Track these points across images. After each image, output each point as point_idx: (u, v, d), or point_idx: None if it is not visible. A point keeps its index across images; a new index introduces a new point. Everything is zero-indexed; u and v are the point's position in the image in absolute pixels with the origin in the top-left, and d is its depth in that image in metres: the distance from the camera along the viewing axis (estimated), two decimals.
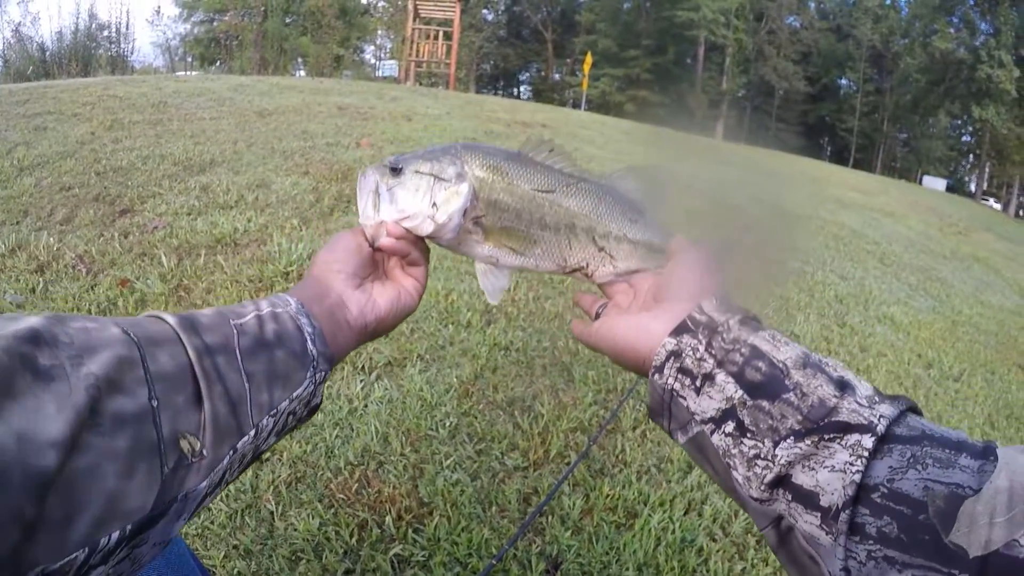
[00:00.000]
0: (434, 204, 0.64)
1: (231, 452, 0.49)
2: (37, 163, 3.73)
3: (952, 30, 37.81)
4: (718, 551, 1.55)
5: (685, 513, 1.64)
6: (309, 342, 0.56)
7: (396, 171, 0.65)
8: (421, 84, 16.04)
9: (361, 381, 1.95)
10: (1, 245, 2.69)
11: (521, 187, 0.66)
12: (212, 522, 1.47)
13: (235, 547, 1.42)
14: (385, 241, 0.65)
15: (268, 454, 1.66)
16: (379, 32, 40.23)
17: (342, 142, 4.99)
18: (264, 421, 0.51)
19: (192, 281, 2.49)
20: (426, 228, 0.65)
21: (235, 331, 0.51)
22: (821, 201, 7.44)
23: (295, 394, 0.54)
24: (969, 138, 43.56)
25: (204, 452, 0.46)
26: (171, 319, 0.49)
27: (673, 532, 1.57)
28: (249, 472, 1.59)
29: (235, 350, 0.50)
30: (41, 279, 2.46)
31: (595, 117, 13.45)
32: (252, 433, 0.50)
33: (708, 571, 1.50)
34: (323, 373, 0.57)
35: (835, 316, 3.30)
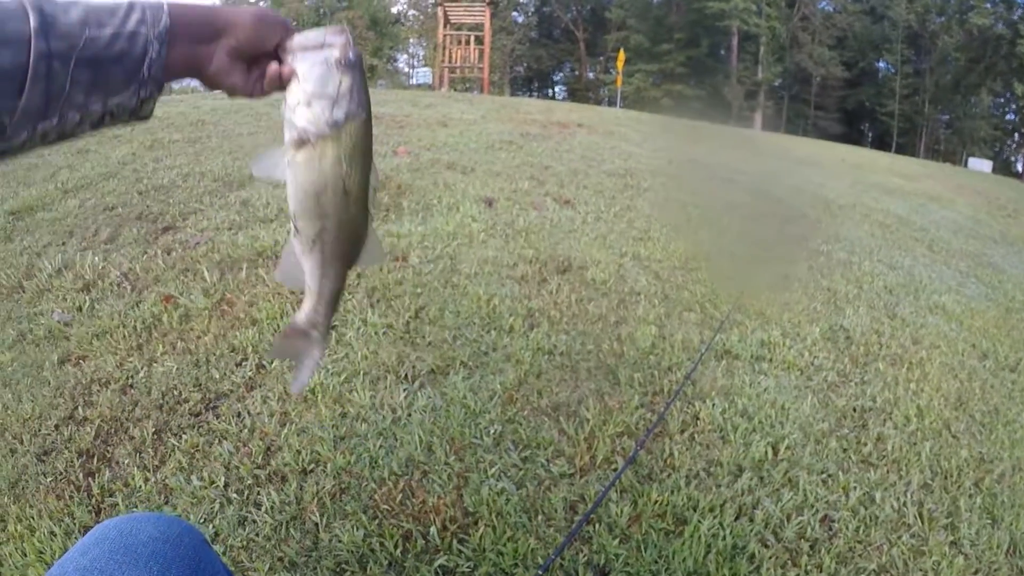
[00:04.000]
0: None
1: (31, 130, 0.56)
2: (81, 185, 3.84)
3: (989, 5, 36.63)
4: (770, 557, 1.51)
5: (736, 519, 1.61)
6: (147, 66, 0.60)
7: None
8: (455, 90, 16.12)
9: (404, 390, 1.95)
10: (48, 265, 2.77)
11: None
12: (257, 534, 1.49)
13: (280, 559, 1.43)
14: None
15: (312, 465, 1.69)
16: (411, 40, 40.54)
17: (379, 150, 5.03)
18: (71, 115, 0.57)
19: (235, 294, 2.52)
20: None
21: (83, 42, 0.55)
22: (865, 189, 7.27)
23: (112, 103, 0.60)
24: (1013, 116, 42.21)
25: (8, 131, 0.54)
26: (34, 21, 0.53)
27: (723, 539, 1.53)
28: (293, 484, 1.62)
29: (72, 59, 0.54)
30: (87, 297, 2.53)
31: (631, 114, 13.34)
32: (55, 120, 0.57)
33: None
34: (149, 93, 0.62)
35: (885, 308, 3.21)
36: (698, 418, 1.97)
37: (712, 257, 3.51)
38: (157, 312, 2.43)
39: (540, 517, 1.54)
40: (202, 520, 1.53)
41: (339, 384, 1.99)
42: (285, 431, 1.80)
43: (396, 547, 1.45)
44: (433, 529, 1.48)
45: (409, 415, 1.85)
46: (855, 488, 1.78)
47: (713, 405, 2.03)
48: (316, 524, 1.51)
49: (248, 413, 1.89)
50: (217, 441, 1.79)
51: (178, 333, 2.31)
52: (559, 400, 1.98)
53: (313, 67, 0.69)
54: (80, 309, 2.46)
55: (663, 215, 4.24)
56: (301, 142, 0.70)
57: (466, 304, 2.48)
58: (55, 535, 1.52)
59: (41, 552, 1.49)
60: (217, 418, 1.88)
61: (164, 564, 0.72)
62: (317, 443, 1.75)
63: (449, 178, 4.35)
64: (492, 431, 1.79)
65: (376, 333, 2.26)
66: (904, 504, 1.75)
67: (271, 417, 1.87)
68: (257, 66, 0.71)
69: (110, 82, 0.59)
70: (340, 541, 1.46)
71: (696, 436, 1.89)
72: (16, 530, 1.54)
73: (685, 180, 5.62)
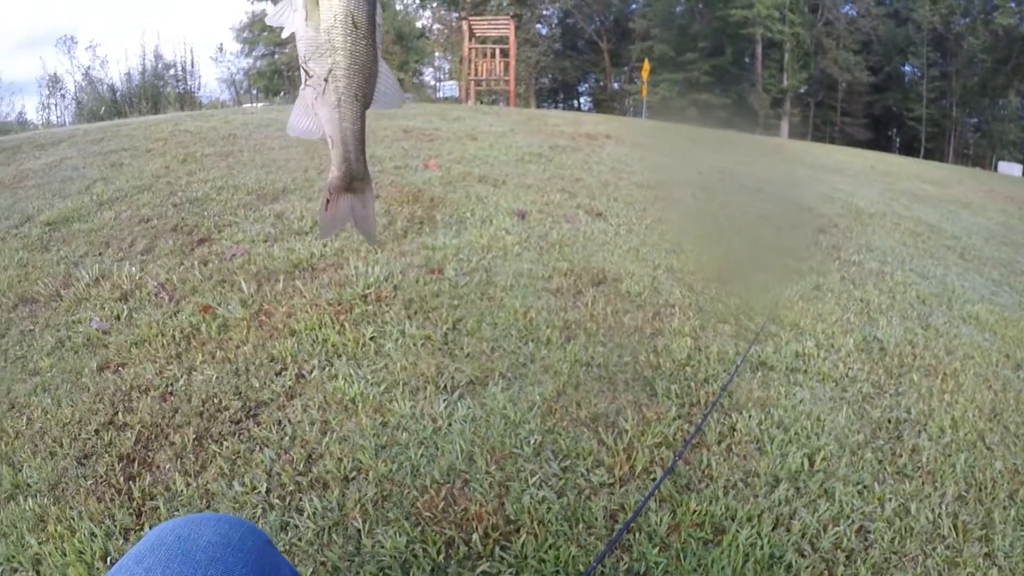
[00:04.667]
0: None
1: None
2: (116, 197, 3.95)
3: (1013, 4, 35.99)
4: (807, 567, 1.53)
5: (773, 528, 1.63)
6: None
7: None
8: (482, 103, 16.22)
9: (444, 400, 2.00)
10: (85, 275, 2.86)
11: None
12: (300, 539, 1.53)
13: (323, 563, 1.47)
14: None
15: (354, 473, 1.72)
16: (436, 54, 40.81)
17: (410, 164, 5.10)
18: None
19: (272, 306, 2.58)
20: None
21: None
22: (895, 196, 7.21)
23: None
24: None
25: None
26: None
27: (761, 548, 1.55)
28: (335, 491, 1.66)
29: None
30: (125, 307, 2.61)
31: (659, 125, 13.34)
32: None
33: None
34: None
35: (918, 318, 3.20)
36: (735, 429, 1.99)
37: (745, 268, 3.52)
38: (195, 322, 2.50)
39: (581, 525, 1.57)
40: None
41: (379, 394, 2.03)
42: (326, 439, 1.85)
43: (439, 553, 1.49)
44: (475, 536, 1.52)
45: (449, 425, 1.89)
46: (890, 499, 1.79)
47: (749, 416, 2.06)
48: (359, 530, 1.55)
49: (289, 421, 1.94)
50: (258, 448, 1.84)
51: (217, 343, 2.37)
52: (598, 411, 2.01)
53: None
54: (118, 318, 2.54)
55: (694, 227, 4.25)
56: None
57: (503, 316, 2.53)
58: (95, 536, 1.57)
59: (81, 552, 1.54)
60: (258, 426, 1.93)
61: (225, 570, 0.69)
62: (359, 451, 1.79)
63: (481, 191, 4.40)
64: (532, 441, 1.83)
65: (414, 344, 2.31)
66: (939, 515, 1.76)
67: (312, 426, 1.92)
68: None
69: None
70: (383, 547, 1.50)
71: (733, 447, 1.92)
72: (56, 530, 1.59)
73: (715, 191, 5.61)
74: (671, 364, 2.34)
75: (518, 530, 1.55)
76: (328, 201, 0.82)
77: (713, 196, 5.39)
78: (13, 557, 1.59)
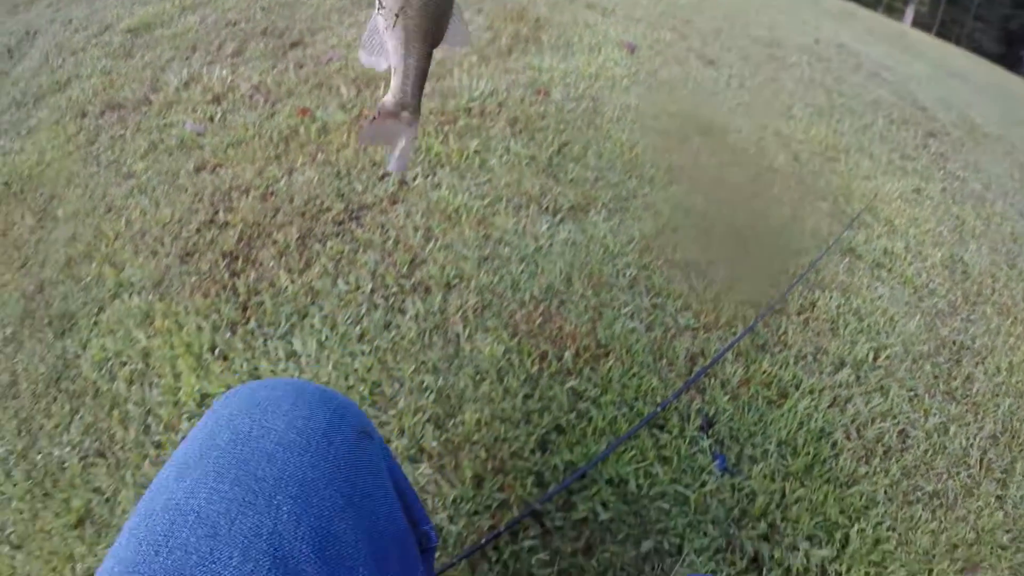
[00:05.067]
0: None
1: None
2: (199, 1, 3.75)
3: None
4: (849, 449, 1.65)
5: (829, 406, 1.74)
6: None
7: None
8: None
9: (546, 221, 2.06)
10: (174, 79, 2.79)
11: None
12: (402, 338, 1.63)
13: (423, 363, 1.58)
14: None
15: (456, 280, 1.80)
16: None
17: None
18: None
19: (373, 111, 2.55)
20: None
21: None
22: (1015, 123, 6.76)
23: None
24: None
25: None
26: None
27: (815, 421, 1.67)
28: (438, 296, 1.75)
29: None
30: (219, 109, 2.56)
31: None
32: None
33: (837, 466, 1.61)
34: None
35: (1007, 254, 3.14)
36: (815, 305, 2.06)
37: (852, 151, 3.43)
38: (293, 124, 2.47)
39: (664, 361, 1.69)
40: (349, 321, 1.69)
41: (483, 207, 2.08)
42: (429, 246, 1.92)
43: (532, 365, 1.60)
44: (567, 354, 1.63)
45: (551, 245, 1.96)
46: (935, 415, 1.88)
47: (831, 298, 2.12)
48: (458, 335, 1.66)
49: (392, 226, 1.99)
50: (361, 249, 1.90)
51: (317, 145, 2.36)
52: (691, 258, 2.07)
53: None
54: (212, 119, 2.50)
55: (806, 95, 4.09)
56: None
57: (608, 147, 2.53)
58: (202, 329, 1.66)
59: (189, 345, 1.63)
60: (361, 228, 1.98)
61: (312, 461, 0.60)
62: (461, 260, 1.87)
63: (588, 17, 4.19)
64: (628, 274, 1.91)
65: (519, 163, 2.33)
66: (971, 445, 1.85)
67: (415, 231, 1.97)
68: None
69: None
70: (480, 353, 1.61)
71: (810, 322, 1.99)
72: (163, 325, 1.67)
73: (830, 63, 5.31)
74: (766, 228, 2.38)
75: (607, 354, 1.66)
76: (375, 119, 0.82)
77: (828, 69, 5.10)
78: (122, 351, 1.69)
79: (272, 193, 2.13)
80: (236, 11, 3.67)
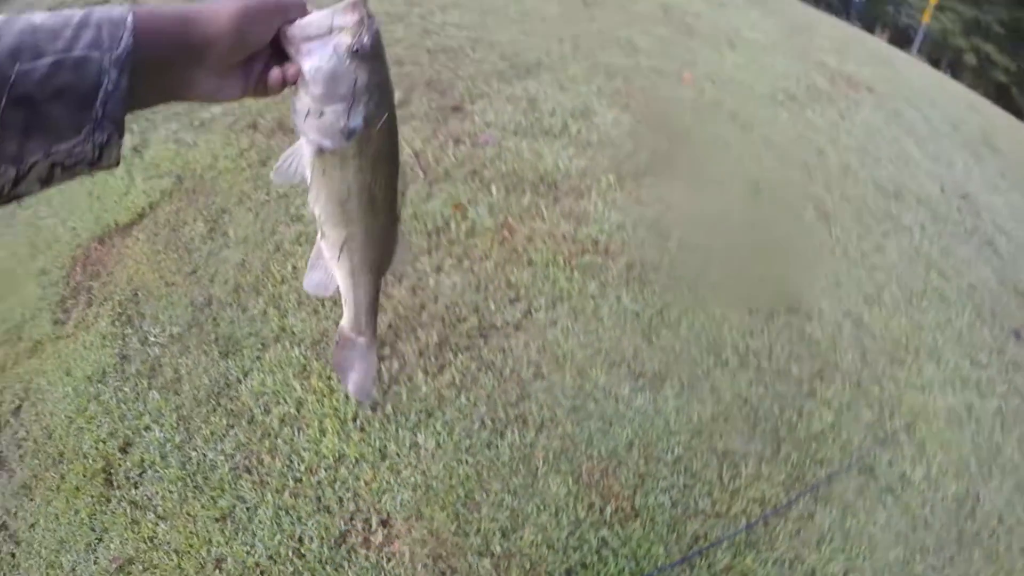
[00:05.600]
0: None
1: None
2: None
3: None
4: None
5: None
6: (99, 102, 0.50)
7: None
8: None
9: (629, 386, 2.38)
10: None
11: None
12: (498, 459, 2.04)
13: (507, 484, 2.01)
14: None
15: (549, 422, 2.11)
16: None
17: (665, 69, 4.96)
18: (4, 169, 0.48)
19: (517, 221, 2.87)
20: None
21: (14, 75, 0.46)
22: None
23: (57, 150, 0.49)
24: None
25: None
26: None
27: None
28: (531, 433, 2.12)
29: (2, 97, 0.45)
30: None
31: (932, 75, 11.48)
32: None
33: None
34: (105, 135, 0.51)
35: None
36: (812, 517, 2.31)
37: (920, 354, 3.32)
38: (446, 215, 2.72)
39: (674, 535, 2.07)
40: (463, 432, 2.08)
41: (585, 358, 2.40)
42: (535, 385, 2.24)
43: (582, 510, 1.99)
44: (608, 508, 2.04)
45: (627, 410, 2.30)
46: None
47: (829, 512, 2.35)
48: (537, 468, 2.07)
49: (511, 354, 2.30)
50: (485, 370, 2.24)
51: (463, 247, 2.63)
52: (731, 448, 2.34)
53: (320, 63, 0.59)
54: None
55: (904, 274, 3.84)
56: (319, 151, 0.65)
57: (700, 318, 2.75)
58: (348, 400, 2.05)
59: (336, 410, 2.00)
60: (487, 348, 2.32)
61: None
62: (556, 406, 2.20)
63: (726, 133, 4.30)
64: (675, 452, 2.27)
65: (624, 318, 2.58)
66: None
67: (528, 366, 2.29)
68: (257, 62, 0.61)
69: (51, 125, 0.48)
70: (550, 489, 2.02)
71: (802, 532, 2.25)
72: (317, 385, 2.03)
73: (946, 226, 4.69)
74: (805, 431, 2.56)
75: (636, 517, 2.05)
76: (338, 344, 0.84)
77: (940, 234, 4.46)
78: (279, 392, 2.04)
79: (422, 288, 2.42)
80: (403, 46, 3.92)
